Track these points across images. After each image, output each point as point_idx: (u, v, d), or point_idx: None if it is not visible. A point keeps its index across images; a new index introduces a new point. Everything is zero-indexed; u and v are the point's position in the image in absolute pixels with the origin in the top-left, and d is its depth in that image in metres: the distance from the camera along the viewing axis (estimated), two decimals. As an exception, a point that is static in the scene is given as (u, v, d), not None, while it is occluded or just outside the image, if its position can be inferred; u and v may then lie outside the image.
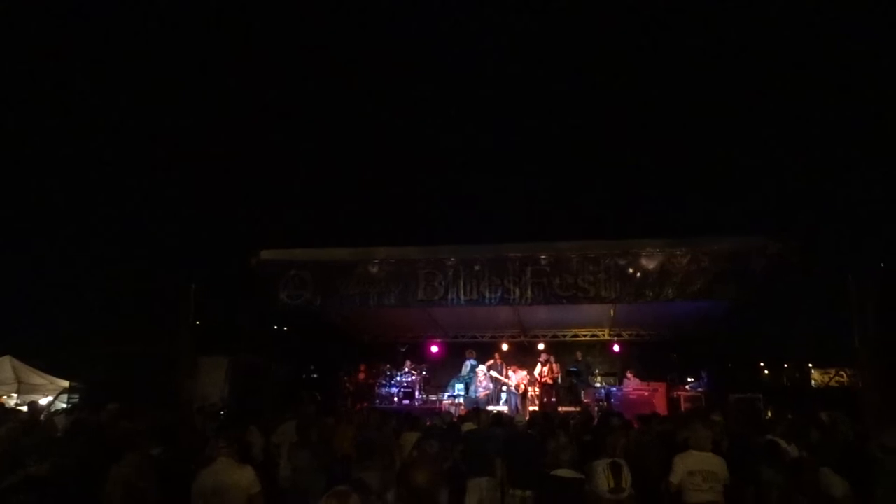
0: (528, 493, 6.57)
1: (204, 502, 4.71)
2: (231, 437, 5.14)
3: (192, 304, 14.25)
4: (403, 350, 17.37)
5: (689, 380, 15.56)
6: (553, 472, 4.95)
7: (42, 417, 9.58)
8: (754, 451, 6.54)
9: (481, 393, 14.99)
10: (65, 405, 12.54)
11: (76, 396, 12.68)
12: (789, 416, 10.01)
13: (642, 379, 15.48)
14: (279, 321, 15.23)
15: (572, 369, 15.66)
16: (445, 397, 15.80)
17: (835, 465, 5.36)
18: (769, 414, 12.24)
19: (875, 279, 11.90)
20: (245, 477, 4.78)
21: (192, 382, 13.77)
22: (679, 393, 14.82)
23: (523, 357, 16.76)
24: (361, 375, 16.57)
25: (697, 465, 5.43)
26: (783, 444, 6.37)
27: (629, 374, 15.58)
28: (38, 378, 13.38)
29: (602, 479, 2.81)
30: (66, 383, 13.25)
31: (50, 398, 13.00)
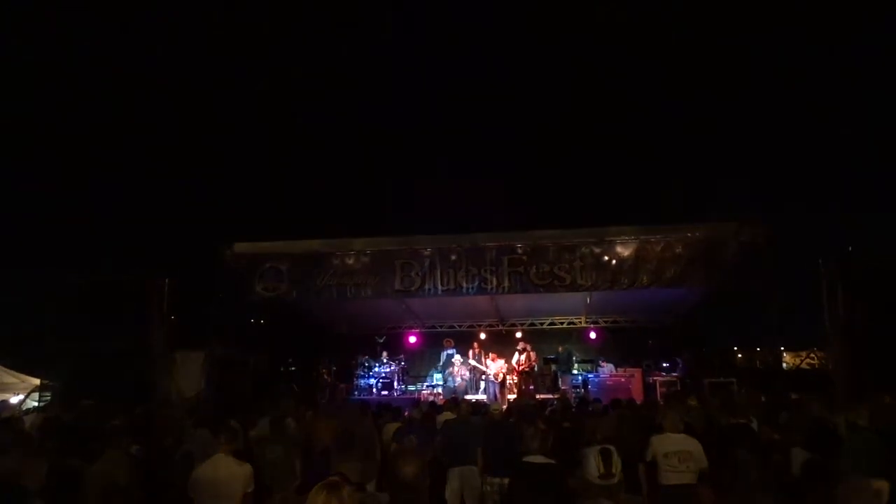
0: (505, 480, 6.62)
1: (200, 493, 4.80)
2: (232, 434, 5.13)
3: (167, 297, 14.08)
4: (381, 341, 17.34)
5: (664, 365, 15.77)
6: (525, 459, 5.02)
7: (14, 416, 9.39)
8: (729, 434, 6.66)
9: (460, 382, 15.05)
10: (37, 403, 12.32)
11: (48, 394, 12.45)
12: (762, 399, 10.21)
13: (618, 365, 15.68)
14: (255, 314, 15.10)
15: (550, 357, 15.80)
16: (424, 387, 15.84)
17: (805, 446, 5.47)
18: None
19: (844, 263, 12.16)
20: (243, 474, 4.89)
21: (167, 377, 13.62)
22: (655, 378, 15.04)
23: (501, 346, 16.84)
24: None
25: (673, 447, 5.55)
26: (755, 425, 6.50)
27: (604, 362, 15.76)
28: (7, 376, 13.11)
29: (592, 465, 2.84)
30: (37, 381, 12.99)
31: (21, 396, 12.76)
